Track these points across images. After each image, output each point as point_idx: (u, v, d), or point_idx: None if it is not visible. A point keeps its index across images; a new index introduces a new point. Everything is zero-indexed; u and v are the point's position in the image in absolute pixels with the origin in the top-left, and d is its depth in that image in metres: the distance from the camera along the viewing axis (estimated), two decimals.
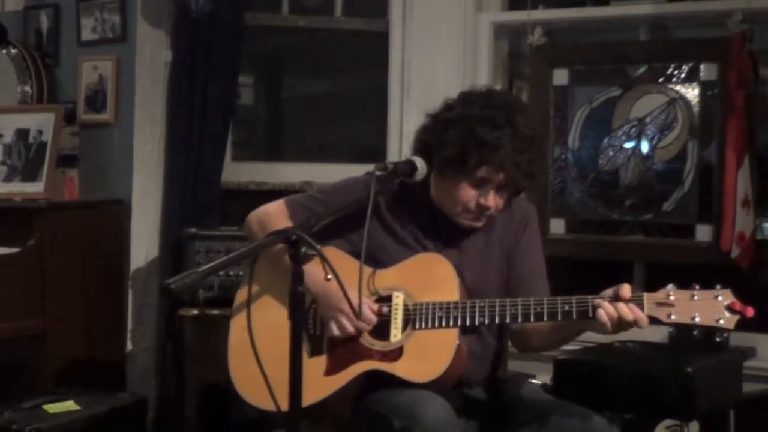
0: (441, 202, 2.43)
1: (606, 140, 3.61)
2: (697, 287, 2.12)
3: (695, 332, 2.06)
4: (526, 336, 2.43)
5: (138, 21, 3.93)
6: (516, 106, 2.38)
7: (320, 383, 2.31)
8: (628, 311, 2.11)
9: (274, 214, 2.48)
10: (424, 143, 2.40)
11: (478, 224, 2.42)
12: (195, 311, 3.50)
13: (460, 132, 2.30)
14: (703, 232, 3.45)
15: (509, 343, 2.56)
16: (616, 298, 2.14)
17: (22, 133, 3.85)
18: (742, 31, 3.30)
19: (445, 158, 2.33)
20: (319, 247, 1.93)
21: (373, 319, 2.31)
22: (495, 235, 2.47)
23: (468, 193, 2.34)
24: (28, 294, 3.47)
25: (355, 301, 2.24)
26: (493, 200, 2.35)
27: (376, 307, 2.34)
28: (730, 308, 2.08)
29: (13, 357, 3.52)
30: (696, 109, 3.47)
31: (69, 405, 3.19)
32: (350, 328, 2.30)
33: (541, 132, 2.49)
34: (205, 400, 3.59)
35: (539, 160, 2.39)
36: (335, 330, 2.32)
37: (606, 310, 2.12)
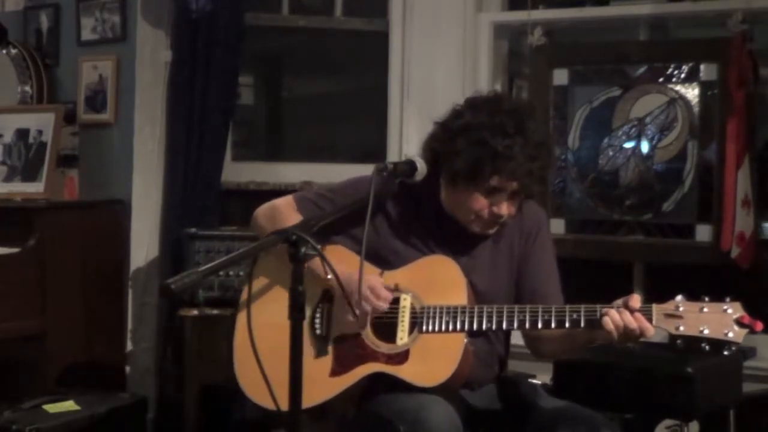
0: (452, 210, 2.40)
1: (606, 140, 3.61)
2: (707, 299, 2.09)
3: (704, 344, 2.05)
4: (539, 342, 2.41)
5: (138, 21, 3.93)
6: (525, 111, 2.34)
7: (325, 384, 2.30)
8: (633, 320, 2.10)
9: (284, 209, 2.47)
10: (434, 153, 2.37)
11: (491, 231, 2.41)
12: (195, 311, 3.50)
13: (471, 142, 2.27)
14: (703, 232, 3.45)
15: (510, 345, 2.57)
16: (624, 308, 2.13)
17: (22, 133, 3.85)
18: (742, 31, 3.30)
19: (456, 169, 2.30)
20: (319, 247, 1.93)
21: (389, 296, 2.29)
22: (504, 240, 2.45)
23: (481, 203, 2.31)
24: (28, 294, 3.47)
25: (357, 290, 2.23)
26: (506, 208, 2.33)
27: (391, 285, 2.32)
28: (739, 322, 2.06)
29: (13, 357, 3.52)
30: (696, 109, 3.47)
31: (69, 405, 3.19)
32: (364, 307, 2.28)
33: (550, 134, 2.47)
34: (205, 400, 3.59)
35: (551, 164, 2.36)
36: (348, 320, 2.31)
37: (612, 319, 2.11)
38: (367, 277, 2.26)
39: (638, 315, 2.11)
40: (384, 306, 2.29)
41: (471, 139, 2.27)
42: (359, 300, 2.25)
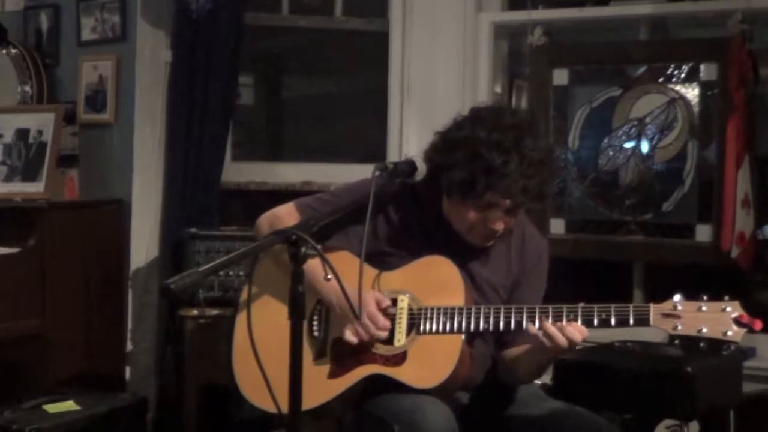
0: (450, 220, 2.40)
1: (606, 140, 3.61)
2: (705, 298, 2.09)
3: (702, 344, 2.05)
4: (517, 367, 2.41)
5: (138, 21, 3.93)
6: (525, 126, 2.32)
7: (324, 386, 2.30)
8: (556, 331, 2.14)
9: (285, 217, 2.46)
10: (433, 163, 2.36)
11: (488, 244, 2.40)
12: (195, 311, 3.50)
13: (467, 156, 2.26)
14: (703, 232, 3.45)
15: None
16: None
17: (22, 133, 3.85)
18: (742, 31, 3.30)
19: (452, 181, 2.30)
20: (319, 247, 1.93)
21: (388, 324, 2.29)
22: (504, 259, 2.45)
23: (475, 217, 2.31)
24: (28, 294, 3.47)
25: (355, 302, 2.22)
26: (500, 223, 2.32)
27: (386, 302, 2.31)
28: (737, 321, 2.05)
29: (13, 357, 3.52)
30: (696, 109, 3.47)
31: (69, 405, 3.19)
32: (364, 335, 2.29)
33: (552, 149, 2.46)
34: (205, 400, 3.59)
35: (551, 179, 2.35)
36: (349, 336, 2.31)
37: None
38: (365, 300, 2.26)
39: (560, 325, 2.15)
40: (383, 335, 2.29)
41: (468, 152, 2.26)
42: (359, 313, 2.25)
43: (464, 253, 2.40)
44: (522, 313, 2.23)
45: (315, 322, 2.38)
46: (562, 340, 2.13)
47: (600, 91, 3.62)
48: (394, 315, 2.32)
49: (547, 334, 2.15)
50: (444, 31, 3.79)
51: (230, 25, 3.80)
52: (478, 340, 2.37)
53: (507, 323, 2.24)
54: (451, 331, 2.26)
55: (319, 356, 2.35)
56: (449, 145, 2.33)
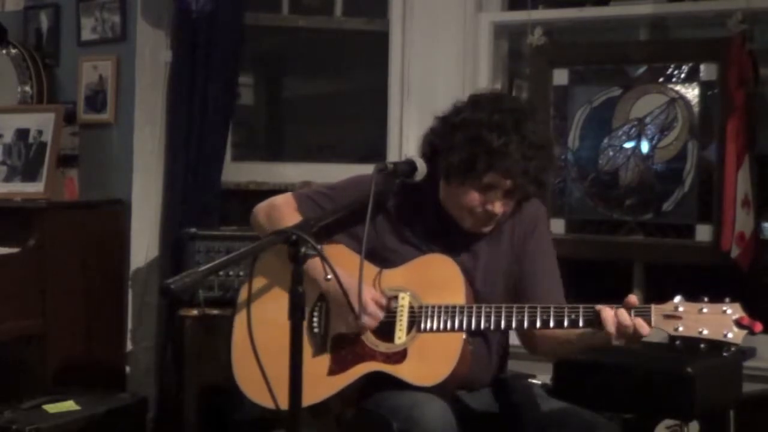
0: (448, 207, 2.40)
1: (606, 140, 3.61)
2: (706, 299, 2.08)
3: (702, 346, 2.05)
4: (534, 341, 2.41)
5: (138, 21, 3.93)
6: (525, 111, 2.33)
7: (323, 383, 2.30)
8: (627, 317, 2.10)
9: (283, 207, 2.47)
10: (432, 147, 2.38)
11: (486, 230, 2.40)
12: (195, 311, 3.50)
13: (468, 137, 2.27)
14: (703, 232, 3.45)
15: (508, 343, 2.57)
16: (622, 307, 2.13)
17: (22, 133, 3.85)
18: (742, 31, 3.30)
19: (451, 163, 2.30)
20: (319, 247, 1.93)
21: (379, 313, 2.30)
22: (504, 238, 2.45)
23: (474, 199, 2.31)
24: (28, 294, 3.47)
25: (355, 300, 2.23)
26: (499, 206, 2.32)
27: (383, 300, 2.32)
28: (738, 323, 2.05)
29: (13, 357, 3.52)
30: (696, 109, 3.47)
31: (69, 405, 3.19)
32: (357, 324, 2.29)
33: (551, 139, 2.46)
34: (205, 400, 3.59)
35: (549, 167, 2.35)
36: (341, 327, 2.31)
37: (607, 315, 2.11)
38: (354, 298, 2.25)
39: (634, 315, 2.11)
40: (372, 324, 2.29)
41: (468, 134, 2.27)
42: (359, 309, 2.25)
43: (465, 243, 2.41)
44: (523, 311, 2.23)
45: (315, 318, 2.38)
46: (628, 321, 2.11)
47: (600, 91, 3.62)
48: (388, 307, 2.32)
49: (620, 324, 2.12)
50: (444, 31, 3.79)
51: (230, 25, 3.81)
52: (480, 340, 2.37)
53: (508, 322, 2.24)
54: (452, 329, 2.26)
55: (318, 353, 2.35)
56: (449, 128, 2.33)
